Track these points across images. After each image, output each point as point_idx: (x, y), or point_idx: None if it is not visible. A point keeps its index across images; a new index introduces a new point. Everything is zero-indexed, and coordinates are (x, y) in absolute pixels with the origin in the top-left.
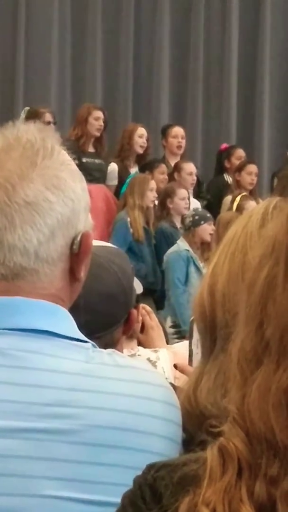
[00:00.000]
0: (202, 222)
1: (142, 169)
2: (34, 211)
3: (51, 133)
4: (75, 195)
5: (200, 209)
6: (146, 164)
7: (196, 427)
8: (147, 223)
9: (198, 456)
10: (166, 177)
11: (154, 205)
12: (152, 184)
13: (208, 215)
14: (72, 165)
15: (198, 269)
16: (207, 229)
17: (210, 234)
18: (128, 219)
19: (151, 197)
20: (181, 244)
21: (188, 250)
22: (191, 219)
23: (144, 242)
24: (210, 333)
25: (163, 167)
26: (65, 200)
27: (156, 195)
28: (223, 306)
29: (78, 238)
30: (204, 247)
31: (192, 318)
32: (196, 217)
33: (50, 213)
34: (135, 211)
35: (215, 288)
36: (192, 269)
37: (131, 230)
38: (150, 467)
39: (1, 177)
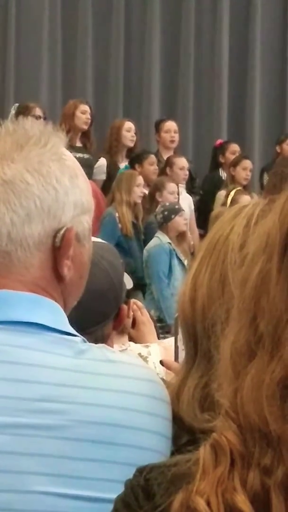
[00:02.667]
0: (173, 216)
1: (131, 162)
2: (10, 190)
3: (57, 133)
4: (60, 185)
5: (168, 204)
6: (135, 157)
7: (180, 428)
8: (136, 218)
9: (190, 456)
10: (156, 167)
11: (144, 196)
12: (140, 180)
13: (177, 206)
14: (69, 161)
15: (180, 261)
16: (179, 222)
17: (184, 223)
18: (116, 214)
19: (138, 193)
20: (163, 238)
21: (170, 243)
22: (161, 215)
23: (133, 237)
24: (193, 342)
25: (152, 157)
26: (45, 186)
27: (144, 190)
28: (203, 322)
29: (62, 232)
30: (179, 238)
31: (177, 315)
32: (166, 213)
33: (27, 195)
34: (123, 206)
35: (196, 302)
36: (175, 262)
37: (119, 225)
38: (141, 469)
39: None
